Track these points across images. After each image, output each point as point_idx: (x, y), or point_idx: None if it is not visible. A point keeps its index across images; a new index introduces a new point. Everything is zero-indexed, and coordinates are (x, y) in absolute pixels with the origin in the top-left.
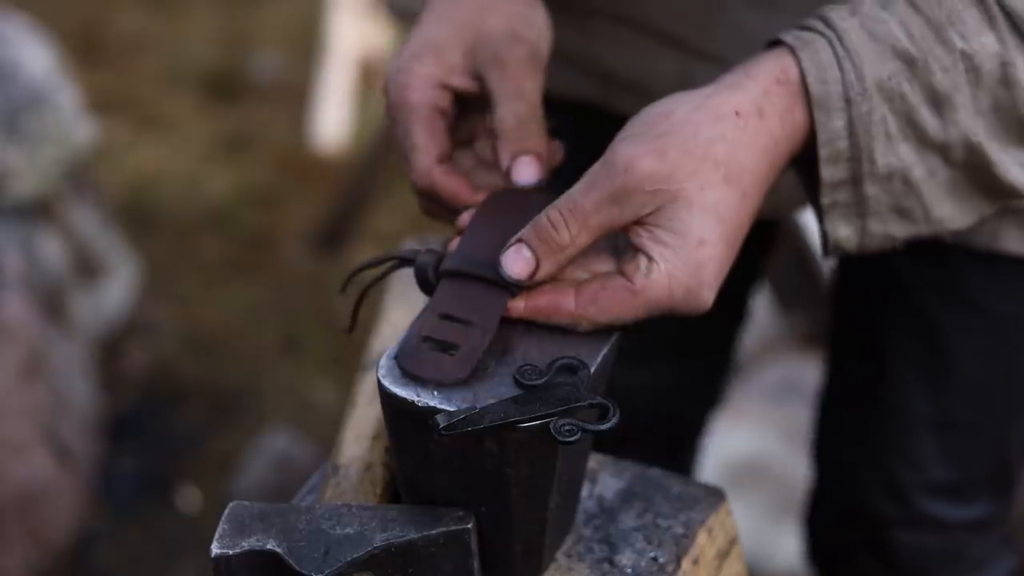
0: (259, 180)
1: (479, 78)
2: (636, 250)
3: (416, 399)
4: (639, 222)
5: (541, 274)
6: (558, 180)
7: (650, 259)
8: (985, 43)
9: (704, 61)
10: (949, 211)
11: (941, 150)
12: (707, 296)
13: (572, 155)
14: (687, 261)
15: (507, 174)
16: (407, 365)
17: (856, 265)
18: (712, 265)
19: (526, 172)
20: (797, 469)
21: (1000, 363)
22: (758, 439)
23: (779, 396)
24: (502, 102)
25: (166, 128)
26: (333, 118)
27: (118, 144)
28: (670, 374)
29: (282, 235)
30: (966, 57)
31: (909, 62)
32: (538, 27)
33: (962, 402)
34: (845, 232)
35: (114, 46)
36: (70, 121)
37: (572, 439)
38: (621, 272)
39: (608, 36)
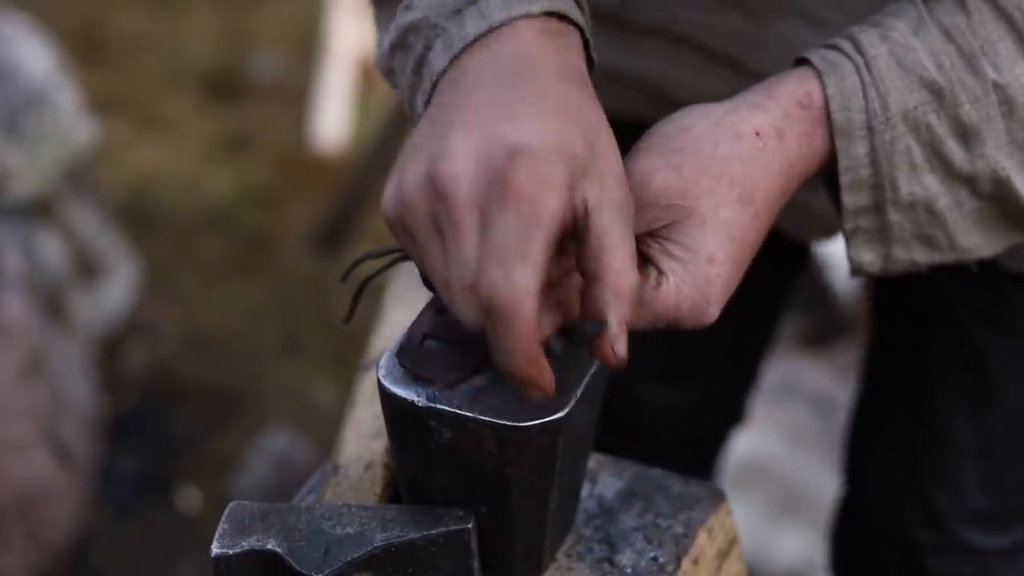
0: (259, 180)
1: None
2: (646, 260)
3: (416, 399)
4: (651, 234)
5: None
6: None
7: (660, 272)
8: (1019, 74)
9: (755, 80)
10: (975, 241)
11: (968, 182)
12: (712, 312)
13: None
14: (696, 277)
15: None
16: (409, 363)
17: (902, 284)
18: (719, 283)
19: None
20: (797, 469)
21: None
22: (758, 439)
23: (779, 396)
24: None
25: (166, 128)
26: (333, 118)
27: (118, 144)
28: (696, 393)
29: (282, 235)
30: (998, 88)
31: (936, 93)
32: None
33: (1004, 431)
34: (869, 257)
35: (114, 46)
36: (70, 121)
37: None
38: None
39: (658, 54)
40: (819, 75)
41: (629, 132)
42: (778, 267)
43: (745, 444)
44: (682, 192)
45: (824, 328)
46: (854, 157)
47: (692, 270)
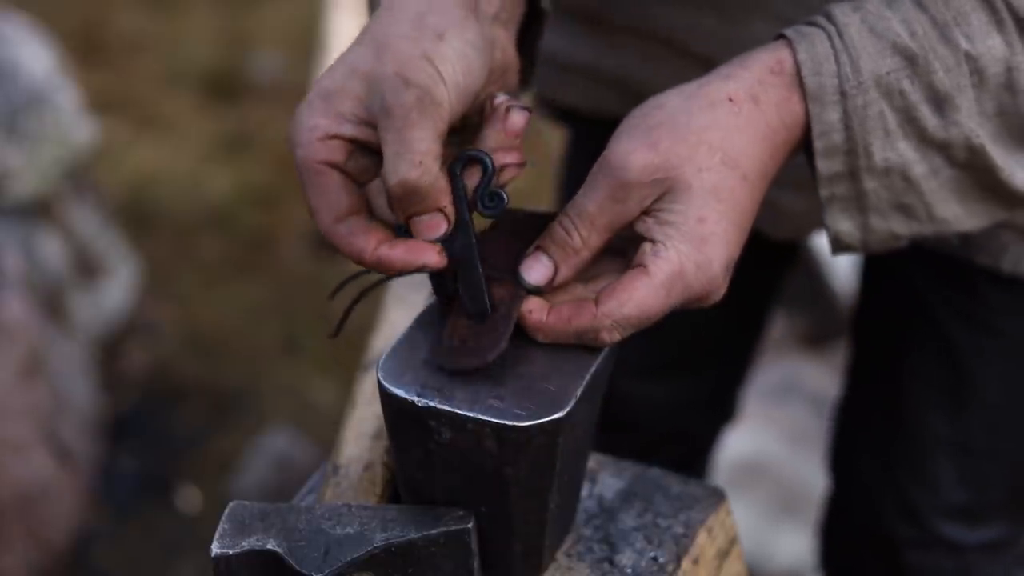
0: (259, 180)
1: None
2: (643, 239)
3: (416, 399)
4: (645, 212)
5: (559, 278)
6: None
7: (655, 241)
8: (991, 45)
9: None
10: (954, 212)
11: (942, 149)
12: (718, 271)
13: None
14: (690, 236)
15: (405, 226)
16: (443, 362)
17: (880, 284)
18: (715, 241)
19: (427, 230)
20: (797, 469)
21: (1020, 390)
22: (758, 439)
23: (779, 396)
24: (386, 158)
25: (166, 128)
26: None
27: (118, 144)
28: (686, 389)
29: (282, 235)
30: (970, 59)
31: (910, 59)
32: (436, 68)
33: (981, 427)
34: (846, 226)
35: (114, 46)
36: (70, 121)
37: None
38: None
39: (635, 51)
40: (790, 43)
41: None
42: (763, 263)
43: (745, 444)
44: (662, 165)
45: (824, 328)
46: (827, 122)
47: (685, 230)
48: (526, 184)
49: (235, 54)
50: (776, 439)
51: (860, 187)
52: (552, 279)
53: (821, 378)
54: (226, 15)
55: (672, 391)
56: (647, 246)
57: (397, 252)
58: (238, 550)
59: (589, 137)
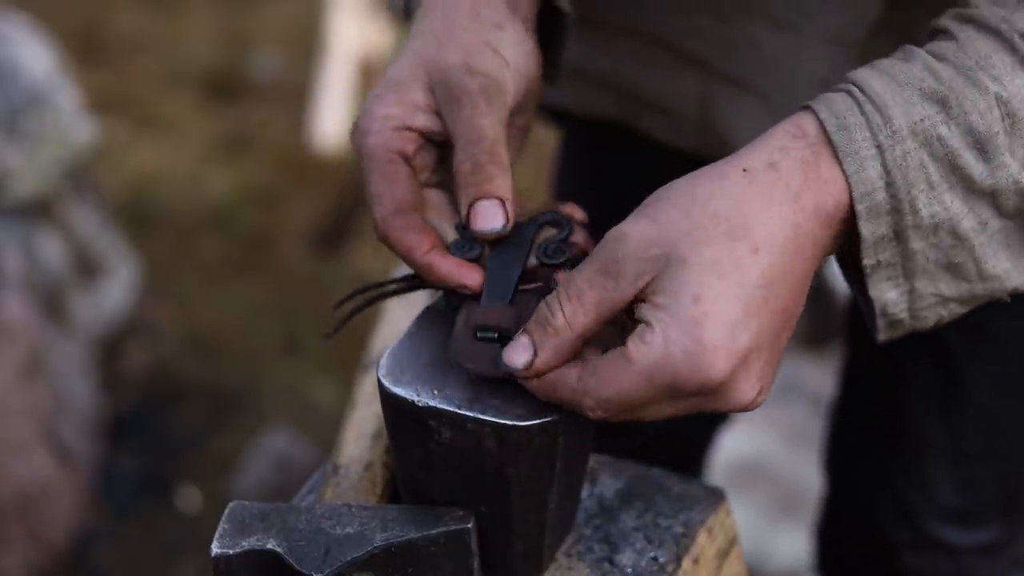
0: (259, 180)
1: (442, 116)
2: (638, 323)
3: (416, 399)
4: (641, 297)
5: (539, 362)
6: (580, 202)
7: (647, 325)
8: (1020, 85)
9: (724, 81)
10: (1004, 267)
11: (991, 198)
12: (711, 360)
13: (593, 174)
14: (682, 319)
15: (467, 223)
16: (464, 360)
17: None
18: (711, 323)
19: (485, 218)
20: (797, 469)
21: (1014, 395)
22: (758, 439)
23: (779, 396)
24: (457, 144)
25: (166, 128)
26: (333, 118)
27: (118, 144)
28: None
29: (282, 235)
30: (1001, 102)
31: (941, 102)
32: (501, 56)
33: (974, 430)
34: (892, 295)
35: (114, 46)
36: (70, 121)
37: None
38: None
39: (630, 54)
40: (809, 108)
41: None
42: None
43: (745, 444)
44: (660, 239)
45: (824, 328)
46: (867, 181)
47: (676, 312)
48: (526, 184)
49: (235, 54)
50: (776, 439)
51: (907, 249)
52: (531, 364)
53: (821, 378)
54: (226, 15)
55: None
56: (639, 328)
57: (446, 264)
58: (238, 550)
59: (582, 138)
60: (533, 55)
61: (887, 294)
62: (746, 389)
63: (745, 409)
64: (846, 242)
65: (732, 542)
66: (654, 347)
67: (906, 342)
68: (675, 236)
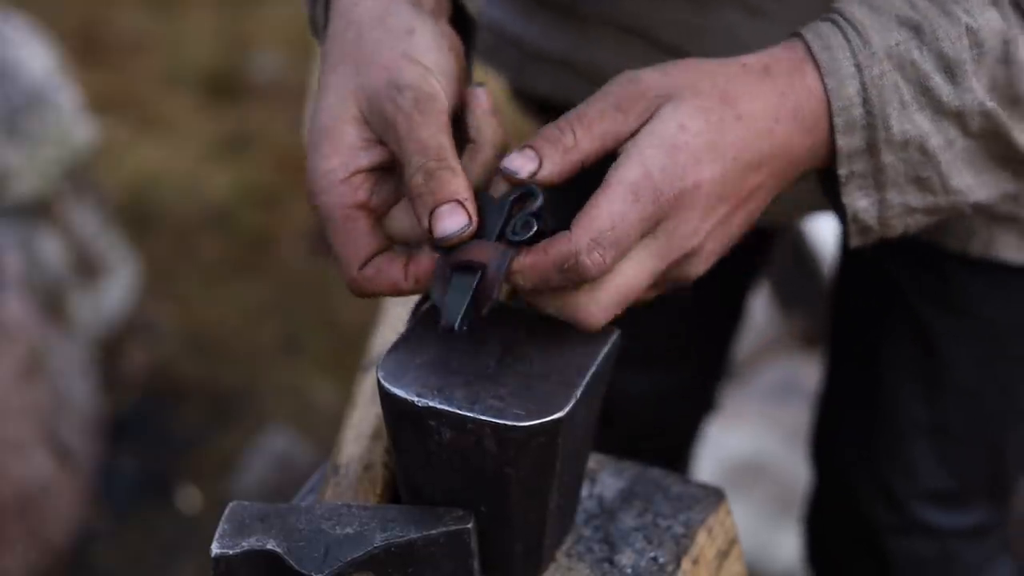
0: (259, 180)
1: (384, 142)
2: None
3: (416, 399)
4: (636, 132)
5: (544, 172)
6: (564, 190)
7: (626, 153)
8: (989, 18)
9: None
10: (967, 182)
11: (957, 118)
12: (691, 178)
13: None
14: (662, 138)
15: (430, 235)
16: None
17: (854, 271)
18: (688, 151)
19: (448, 222)
20: (797, 469)
21: (994, 372)
22: (758, 439)
23: (779, 396)
24: (404, 163)
25: (166, 128)
26: None
27: (118, 144)
28: (668, 380)
29: (282, 235)
30: (971, 32)
31: (915, 29)
32: (421, 64)
33: (956, 410)
34: (863, 203)
35: (114, 46)
36: (70, 121)
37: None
38: None
39: (606, 42)
40: (796, 34)
41: None
42: (740, 251)
43: (745, 444)
44: (667, 85)
45: (824, 328)
46: (845, 97)
47: (659, 131)
48: None
49: (235, 54)
50: (776, 439)
51: (879, 161)
52: (536, 172)
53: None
54: (226, 15)
55: (651, 384)
56: (619, 158)
57: (425, 262)
58: (238, 550)
59: None
60: (453, 50)
61: (859, 202)
62: (700, 230)
63: (694, 264)
64: (824, 159)
65: (732, 542)
66: (631, 166)
67: (887, 323)
68: (680, 83)
